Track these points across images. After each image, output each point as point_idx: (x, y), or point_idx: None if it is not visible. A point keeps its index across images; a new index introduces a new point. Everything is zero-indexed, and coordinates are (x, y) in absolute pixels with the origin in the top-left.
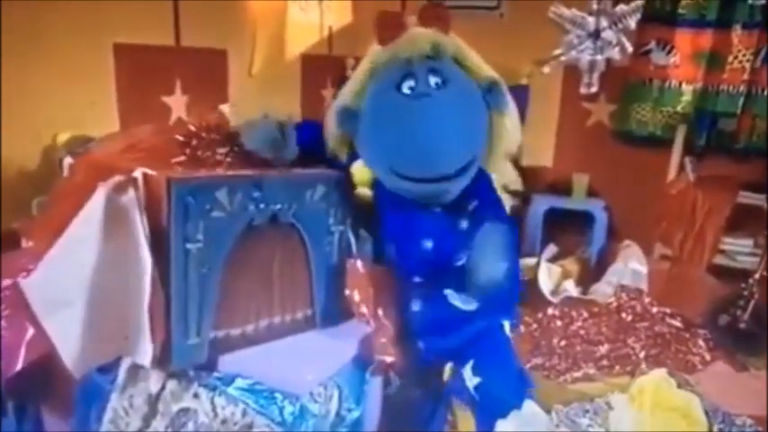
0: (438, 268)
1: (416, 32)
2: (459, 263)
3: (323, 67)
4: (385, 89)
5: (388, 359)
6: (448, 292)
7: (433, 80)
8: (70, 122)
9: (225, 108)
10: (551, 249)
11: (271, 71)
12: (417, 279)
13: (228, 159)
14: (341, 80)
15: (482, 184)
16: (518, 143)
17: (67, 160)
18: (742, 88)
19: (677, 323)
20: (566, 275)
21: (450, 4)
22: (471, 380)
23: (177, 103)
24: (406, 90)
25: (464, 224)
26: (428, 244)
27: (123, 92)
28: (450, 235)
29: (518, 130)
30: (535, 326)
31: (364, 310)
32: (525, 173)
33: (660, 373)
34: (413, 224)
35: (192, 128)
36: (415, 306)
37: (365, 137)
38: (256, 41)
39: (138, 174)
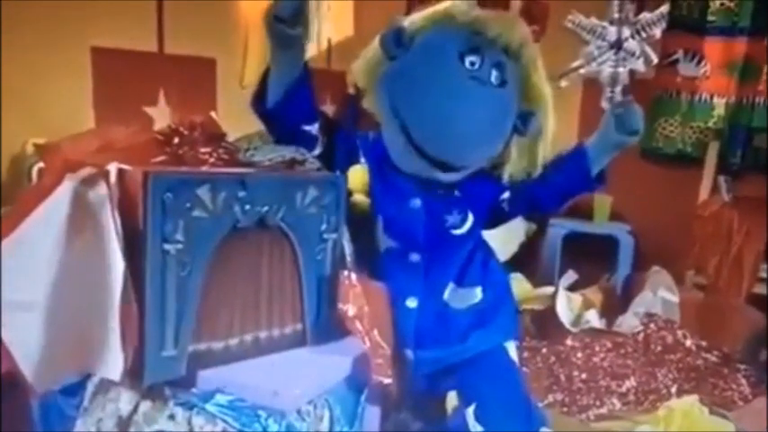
0: (435, 239)
1: (512, 21)
2: (458, 231)
3: (321, 83)
4: (445, 46)
5: (386, 380)
6: (448, 289)
7: (494, 74)
8: (42, 130)
9: (214, 114)
10: (570, 276)
11: None
12: (415, 257)
13: (212, 159)
14: (342, 97)
15: None
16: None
17: (38, 166)
18: None
19: (714, 358)
20: (588, 305)
21: None
22: (474, 426)
23: (160, 114)
24: (468, 64)
25: (456, 192)
26: (416, 202)
27: (101, 100)
28: (441, 195)
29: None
30: (553, 359)
31: (359, 326)
32: None
33: (691, 399)
34: (399, 185)
35: (173, 125)
36: (411, 302)
37: (400, 79)
38: (248, 50)
39: (111, 167)
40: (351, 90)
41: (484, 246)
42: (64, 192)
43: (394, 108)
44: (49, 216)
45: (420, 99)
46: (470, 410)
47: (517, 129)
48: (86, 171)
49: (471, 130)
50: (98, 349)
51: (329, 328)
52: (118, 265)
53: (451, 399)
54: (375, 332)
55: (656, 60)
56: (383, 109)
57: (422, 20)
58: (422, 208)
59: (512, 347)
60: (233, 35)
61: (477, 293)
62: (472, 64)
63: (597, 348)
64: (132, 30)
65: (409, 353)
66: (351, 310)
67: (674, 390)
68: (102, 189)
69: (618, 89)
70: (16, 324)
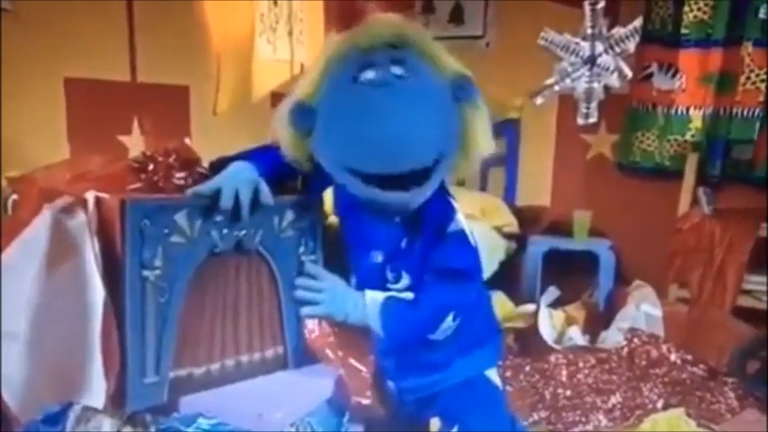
0: (392, 288)
1: (379, 19)
2: (395, 286)
3: None
4: (342, 80)
5: (365, 401)
6: None
7: (394, 70)
8: (16, 163)
9: (188, 140)
10: (552, 293)
11: (237, 110)
12: None
13: (189, 185)
14: None
15: (436, 208)
16: (491, 147)
17: (12, 198)
18: (758, 111)
19: (700, 371)
20: (570, 322)
21: (433, 35)
22: None
23: (135, 143)
24: (364, 80)
25: (404, 241)
26: (378, 257)
27: (75, 130)
28: (398, 251)
29: (488, 132)
30: (537, 376)
31: (330, 354)
32: (521, 213)
33: (677, 411)
34: (366, 232)
35: (148, 152)
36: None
37: (320, 134)
38: (221, 78)
39: (89, 195)
40: None
41: None
42: (43, 221)
43: (327, 153)
44: (29, 246)
45: (340, 130)
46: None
47: (459, 99)
48: (64, 200)
49: (391, 127)
50: (81, 377)
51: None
52: (98, 292)
53: (435, 424)
54: (351, 360)
55: (630, 75)
56: (320, 159)
57: (319, 78)
58: (382, 263)
59: (493, 373)
60: (205, 63)
61: (449, 321)
62: (368, 77)
63: (581, 365)
64: (105, 60)
65: (390, 383)
66: (319, 334)
67: (660, 404)
68: (80, 217)
69: (593, 104)
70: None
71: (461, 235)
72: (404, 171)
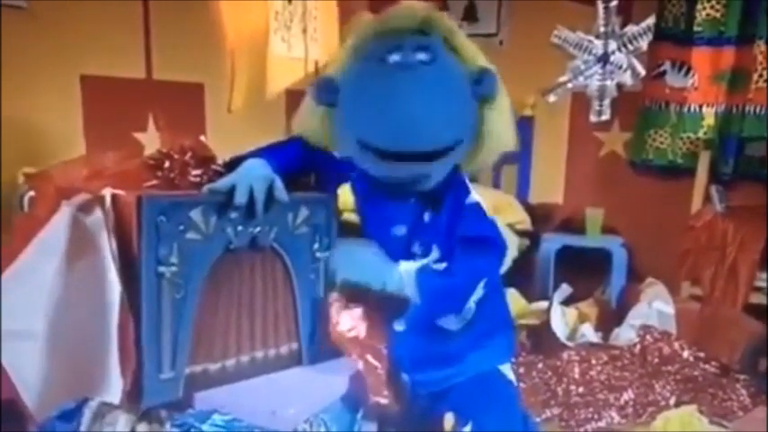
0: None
1: (410, 4)
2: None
3: None
4: (370, 60)
5: (383, 401)
6: None
7: (420, 56)
8: (34, 159)
9: (203, 138)
10: (565, 290)
11: (252, 108)
12: None
13: (205, 182)
14: None
15: (454, 184)
16: (510, 143)
17: (29, 195)
18: None
19: (712, 368)
20: (583, 319)
21: None
22: None
23: (150, 140)
24: (391, 62)
25: (427, 216)
26: (401, 230)
27: (91, 127)
28: (421, 226)
29: (510, 127)
30: (550, 373)
31: (352, 348)
32: (534, 211)
33: (689, 408)
34: (387, 212)
35: (163, 149)
36: (399, 325)
37: (342, 109)
38: (235, 75)
39: (106, 192)
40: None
41: None
42: (62, 218)
43: (347, 129)
44: (48, 244)
45: (362, 107)
46: (466, 430)
47: (476, 95)
48: (82, 197)
49: (412, 108)
50: (98, 374)
51: (324, 347)
52: (115, 289)
53: (449, 420)
54: (368, 356)
55: (643, 73)
56: (338, 137)
57: (347, 56)
58: (406, 237)
59: (507, 368)
60: (220, 60)
61: (480, 290)
62: (394, 59)
63: (594, 362)
64: (120, 57)
65: (405, 376)
66: (344, 330)
67: (672, 401)
68: (97, 214)
69: (606, 102)
70: (17, 353)
71: (478, 206)
72: (425, 150)
